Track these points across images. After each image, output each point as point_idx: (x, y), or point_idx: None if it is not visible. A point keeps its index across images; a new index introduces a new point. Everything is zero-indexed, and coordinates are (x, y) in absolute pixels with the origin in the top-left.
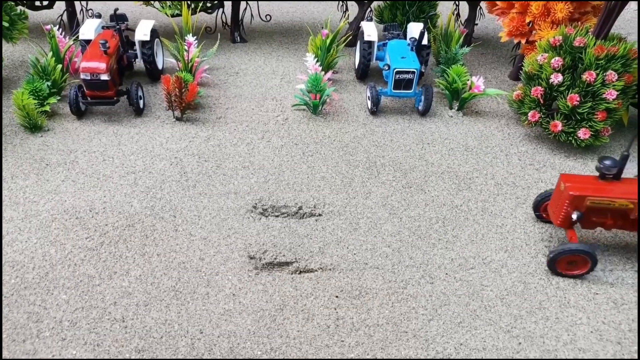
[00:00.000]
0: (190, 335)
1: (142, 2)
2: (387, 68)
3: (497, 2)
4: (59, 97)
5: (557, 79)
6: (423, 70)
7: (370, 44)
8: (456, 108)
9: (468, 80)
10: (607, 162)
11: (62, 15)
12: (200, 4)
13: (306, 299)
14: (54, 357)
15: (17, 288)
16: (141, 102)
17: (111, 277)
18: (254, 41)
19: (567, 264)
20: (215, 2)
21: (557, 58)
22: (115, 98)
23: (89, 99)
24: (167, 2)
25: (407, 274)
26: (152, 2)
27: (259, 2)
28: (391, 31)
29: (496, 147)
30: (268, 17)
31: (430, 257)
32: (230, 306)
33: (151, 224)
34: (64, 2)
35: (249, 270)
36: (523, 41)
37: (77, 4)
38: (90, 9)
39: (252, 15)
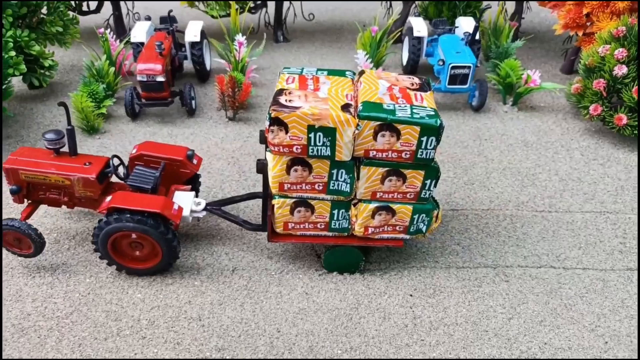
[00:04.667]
0: (268, 334)
1: (187, 4)
2: (441, 63)
3: None
4: (114, 100)
5: (621, 70)
6: (479, 65)
7: (419, 39)
8: (510, 103)
9: (522, 74)
10: (49, 135)
11: (108, 19)
12: (248, 5)
13: (380, 298)
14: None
15: (93, 287)
16: (193, 102)
17: (182, 275)
18: (296, 40)
19: (14, 240)
20: (259, 2)
21: (621, 49)
22: (169, 99)
23: (143, 100)
24: (213, 2)
25: (480, 272)
26: (197, 3)
27: (303, 1)
28: (440, 26)
29: (556, 142)
30: (311, 16)
31: (502, 255)
32: (304, 305)
33: (216, 224)
34: (110, 7)
35: (318, 268)
36: (580, 33)
37: (122, 6)
38: (137, 12)
39: (295, 14)
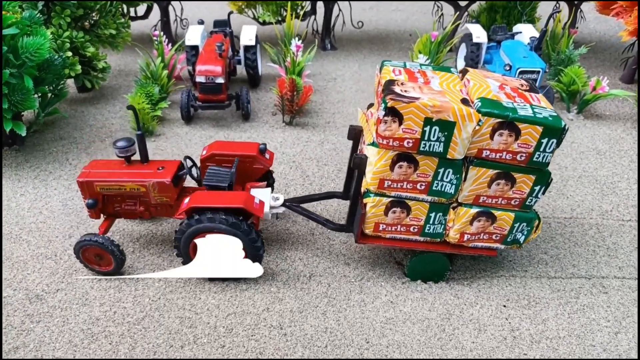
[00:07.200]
0: (356, 344)
1: (236, 10)
2: (508, 68)
3: (618, 1)
4: (169, 102)
5: None
6: (547, 70)
7: (478, 46)
8: (575, 110)
9: (587, 81)
10: (120, 143)
11: (155, 25)
12: (302, 11)
13: (472, 308)
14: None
15: (163, 291)
16: (248, 106)
17: (257, 281)
18: (343, 48)
19: (94, 256)
20: (308, 10)
21: None
22: (226, 102)
23: (200, 102)
24: (264, 7)
25: (575, 282)
26: (246, 9)
27: (351, 10)
28: (500, 33)
29: (630, 150)
30: (360, 24)
31: (595, 265)
32: (391, 314)
33: (285, 228)
34: (158, 13)
35: (400, 276)
36: None
37: (170, 12)
38: (185, 18)
39: (344, 22)
